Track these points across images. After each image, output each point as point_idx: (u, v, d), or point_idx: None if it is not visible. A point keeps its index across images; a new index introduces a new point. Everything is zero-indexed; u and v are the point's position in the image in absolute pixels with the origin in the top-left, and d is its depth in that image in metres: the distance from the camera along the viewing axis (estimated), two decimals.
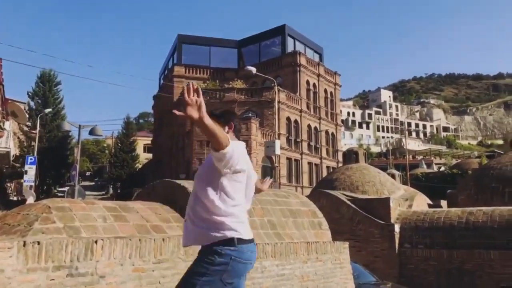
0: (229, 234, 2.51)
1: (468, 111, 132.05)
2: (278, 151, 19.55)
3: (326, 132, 36.64)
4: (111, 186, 45.78)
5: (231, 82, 32.80)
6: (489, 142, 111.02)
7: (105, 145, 58.34)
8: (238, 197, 2.63)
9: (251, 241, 2.68)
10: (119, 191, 41.96)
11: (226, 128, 2.91)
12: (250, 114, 29.08)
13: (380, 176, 19.66)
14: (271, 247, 6.68)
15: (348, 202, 15.76)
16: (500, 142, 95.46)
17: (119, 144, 45.20)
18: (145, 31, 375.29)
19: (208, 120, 2.27)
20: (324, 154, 35.54)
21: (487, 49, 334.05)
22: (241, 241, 2.52)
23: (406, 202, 15.91)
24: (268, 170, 28.61)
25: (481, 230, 12.57)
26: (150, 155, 48.35)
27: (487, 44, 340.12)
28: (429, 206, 17.47)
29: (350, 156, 21.37)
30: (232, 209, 2.57)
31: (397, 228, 14.30)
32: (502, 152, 28.97)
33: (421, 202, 16.40)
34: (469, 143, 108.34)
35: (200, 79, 36.51)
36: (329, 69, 38.64)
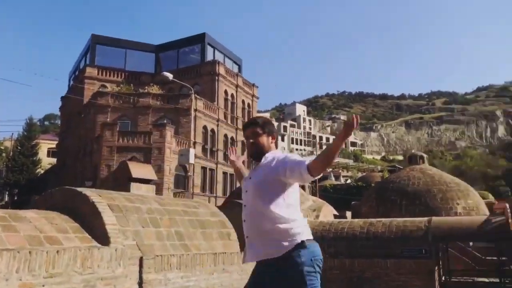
0: (302, 237, 2.66)
1: (374, 128, 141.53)
2: (192, 160, 19.32)
3: (243, 143, 37.01)
4: (7, 192, 42.10)
5: (146, 87, 31.89)
6: (391, 157, 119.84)
7: (2, 147, 53.52)
8: (298, 204, 2.81)
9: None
10: (16, 198, 38.64)
11: (270, 138, 2.95)
12: (165, 121, 28.47)
13: None
14: (177, 258, 6.54)
15: None
16: (401, 157, 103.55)
17: (19, 147, 41.74)
18: (55, 29, 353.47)
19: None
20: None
21: (392, 72, 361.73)
22: (310, 241, 2.69)
23: (314, 213, 16.49)
24: (181, 179, 28.15)
25: (380, 240, 13.40)
26: (54, 160, 45.20)
27: (393, 67, 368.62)
28: (335, 216, 18.29)
29: None
30: (296, 214, 2.73)
31: None
32: (401, 167, 31.32)
33: (328, 213, 17.11)
34: (373, 158, 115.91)
35: (113, 82, 35.07)
36: (248, 80, 39.24)
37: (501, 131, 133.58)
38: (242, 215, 2.84)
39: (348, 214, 18.39)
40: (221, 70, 34.59)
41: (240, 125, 36.68)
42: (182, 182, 28.03)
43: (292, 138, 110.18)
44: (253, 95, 39.47)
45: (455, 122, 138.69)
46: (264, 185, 2.72)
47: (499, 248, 14.22)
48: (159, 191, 23.84)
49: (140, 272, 5.96)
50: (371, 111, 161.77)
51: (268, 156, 2.89)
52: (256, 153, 2.91)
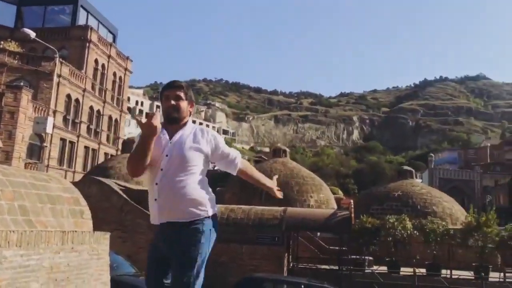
0: (211, 212, 2.86)
1: (246, 118, 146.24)
2: (49, 129, 17.59)
3: (110, 117, 35.03)
4: None
5: (2, 42, 28.16)
6: (259, 148, 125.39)
7: None
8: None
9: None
10: None
11: (189, 106, 3.01)
12: (22, 83, 25.51)
13: None
14: (17, 235, 5.90)
15: (120, 192, 15.38)
16: (267, 150, 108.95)
17: None
18: None
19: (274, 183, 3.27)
20: (104, 139, 33.86)
21: (269, 66, 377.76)
22: (214, 217, 2.90)
23: None
24: (36, 149, 25.60)
25: (238, 226, 13.90)
26: None
27: (270, 61, 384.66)
28: None
29: (130, 145, 20.96)
30: (209, 189, 2.95)
31: None
32: (267, 159, 32.86)
33: None
34: (243, 147, 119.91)
35: None
36: (122, 52, 37.19)
37: (356, 134, 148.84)
38: (151, 178, 2.84)
39: None
40: (94, 37, 32.18)
41: (109, 99, 34.70)
42: (36, 153, 25.50)
43: None
44: (126, 69, 37.59)
45: (318, 122, 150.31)
46: (189, 154, 2.82)
47: (341, 239, 15.80)
48: (8, 160, 21.44)
49: None
50: (245, 102, 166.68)
51: (189, 125, 2.97)
52: (174, 117, 2.91)
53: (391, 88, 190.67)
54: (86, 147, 31.26)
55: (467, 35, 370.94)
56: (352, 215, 14.12)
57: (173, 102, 2.91)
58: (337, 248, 16.00)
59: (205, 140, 2.90)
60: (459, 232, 15.03)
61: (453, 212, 18.73)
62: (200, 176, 2.86)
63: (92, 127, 32.41)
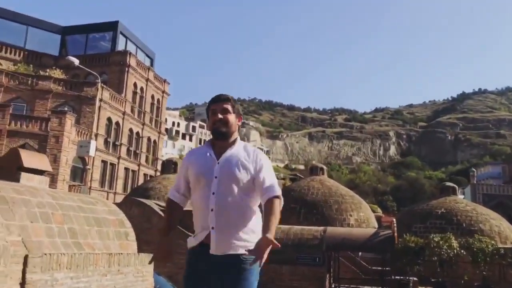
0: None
1: (280, 136, 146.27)
2: (92, 152, 18.19)
3: (149, 138, 35.88)
4: None
5: (48, 70, 29.53)
6: (293, 166, 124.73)
7: None
8: None
9: None
10: None
11: (237, 120, 2.85)
12: (66, 108, 26.57)
13: None
14: (67, 257, 6.06)
15: (160, 212, 15.56)
16: (302, 167, 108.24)
17: None
18: None
19: (272, 236, 2.45)
20: (143, 161, 34.65)
21: (301, 83, 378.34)
22: None
23: None
24: (78, 171, 26.45)
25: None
26: None
27: (302, 79, 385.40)
28: None
29: (169, 165, 21.33)
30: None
31: None
32: (303, 177, 32.59)
33: None
34: (277, 165, 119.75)
35: (10, 60, 31.94)
36: (159, 75, 38.23)
37: (393, 150, 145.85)
38: (203, 203, 2.64)
39: None
40: (132, 62, 33.27)
41: (147, 121, 35.59)
42: (79, 175, 26.34)
43: (200, 139, 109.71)
44: (163, 91, 38.53)
45: (353, 138, 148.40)
46: (240, 176, 2.63)
47: (383, 259, 15.37)
48: (53, 183, 22.20)
49: (24, 271, 5.43)
50: (278, 120, 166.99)
51: (239, 144, 2.82)
52: (223, 131, 2.76)
53: (427, 102, 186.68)
54: (126, 169, 32.04)
55: (507, 44, 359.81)
56: (395, 234, 13.72)
57: (220, 116, 2.76)
58: (380, 268, 15.57)
59: (251, 159, 2.73)
60: (510, 251, 14.34)
61: (501, 230, 17.89)
62: (250, 202, 2.68)
63: (132, 149, 33.25)
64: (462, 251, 14.20)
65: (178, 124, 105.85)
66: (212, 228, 2.60)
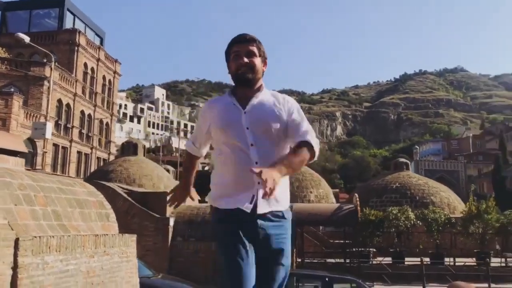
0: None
1: None
2: (49, 135, 17.39)
3: (101, 121, 34.68)
4: None
5: None
6: None
7: None
8: None
9: None
10: None
11: (263, 65, 2.48)
12: (12, 89, 25.11)
13: (157, 170, 19.83)
14: (56, 240, 5.95)
15: (125, 195, 15.36)
16: None
17: None
18: None
19: (284, 169, 2.10)
20: (96, 144, 33.55)
21: None
22: None
23: None
24: (29, 156, 25.23)
25: None
26: None
27: None
28: (200, 201, 18.50)
29: (129, 148, 20.89)
30: None
31: (171, 221, 14.67)
32: None
33: (195, 197, 17.23)
34: None
35: None
36: (110, 55, 36.86)
37: (339, 130, 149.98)
38: (241, 157, 2.27)
39: None
40: (82, 41, 31.81)
41: (99, 103, 34.38)
42: (28, 160, 25.11)
43: (149, 122, 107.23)
44: (115, 72, 37.26)
45: None
46: (273, 124, 2.32)
47: (344, 232, 16.08)
48: None
49: (15, 255, 5.31)
50: None
51: (266, 91, 2.47)
52: (249, 78, 2.38)
53: (372, 83, 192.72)
54: (79, 152, 30.93)
55: (444, 28, 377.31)
56: (358, 208, 14.39)
57: (246, 59, 2.37)
58: (341, 241, 16.28)
59: (284, 107, 2.40)
60: (459, 221, 15.46)
61: (450, 201, 19.21)
62: (285, 151, 2.37)
63: (84, 131, 32.06)
64: (418, 222, 15.14)
65: (126, 106, 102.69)
66: (258, 183, 2.11)
